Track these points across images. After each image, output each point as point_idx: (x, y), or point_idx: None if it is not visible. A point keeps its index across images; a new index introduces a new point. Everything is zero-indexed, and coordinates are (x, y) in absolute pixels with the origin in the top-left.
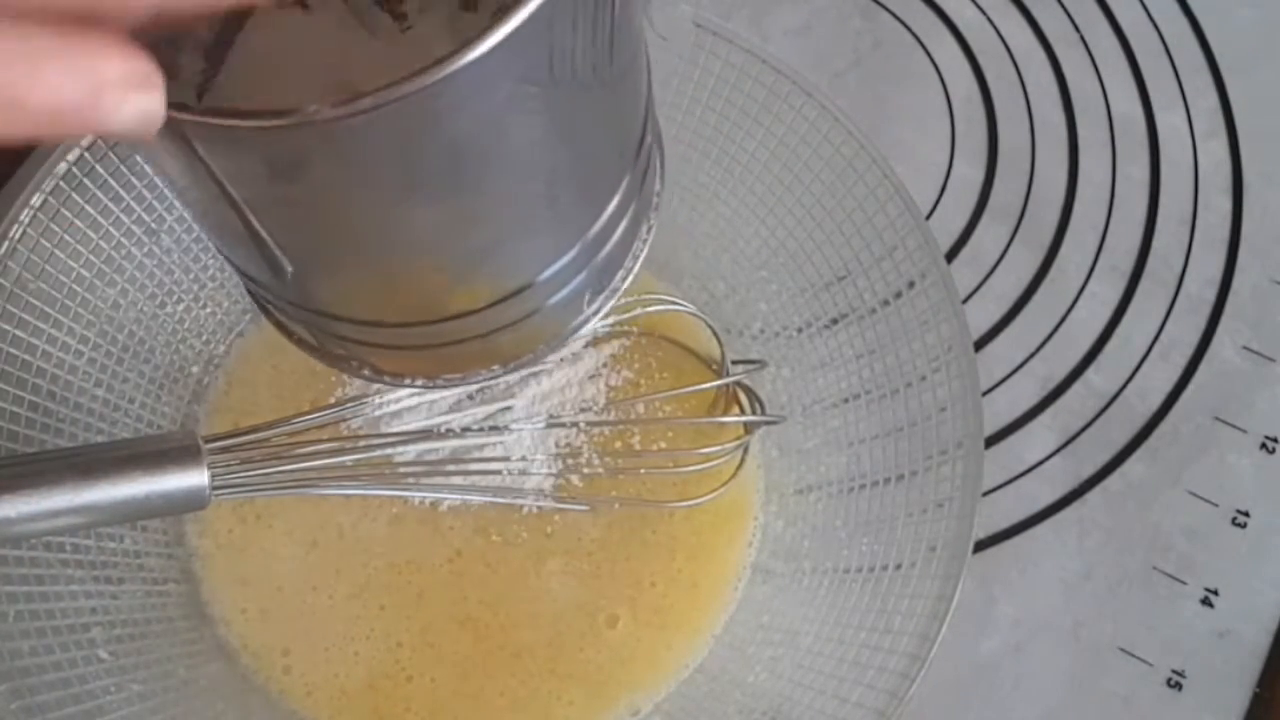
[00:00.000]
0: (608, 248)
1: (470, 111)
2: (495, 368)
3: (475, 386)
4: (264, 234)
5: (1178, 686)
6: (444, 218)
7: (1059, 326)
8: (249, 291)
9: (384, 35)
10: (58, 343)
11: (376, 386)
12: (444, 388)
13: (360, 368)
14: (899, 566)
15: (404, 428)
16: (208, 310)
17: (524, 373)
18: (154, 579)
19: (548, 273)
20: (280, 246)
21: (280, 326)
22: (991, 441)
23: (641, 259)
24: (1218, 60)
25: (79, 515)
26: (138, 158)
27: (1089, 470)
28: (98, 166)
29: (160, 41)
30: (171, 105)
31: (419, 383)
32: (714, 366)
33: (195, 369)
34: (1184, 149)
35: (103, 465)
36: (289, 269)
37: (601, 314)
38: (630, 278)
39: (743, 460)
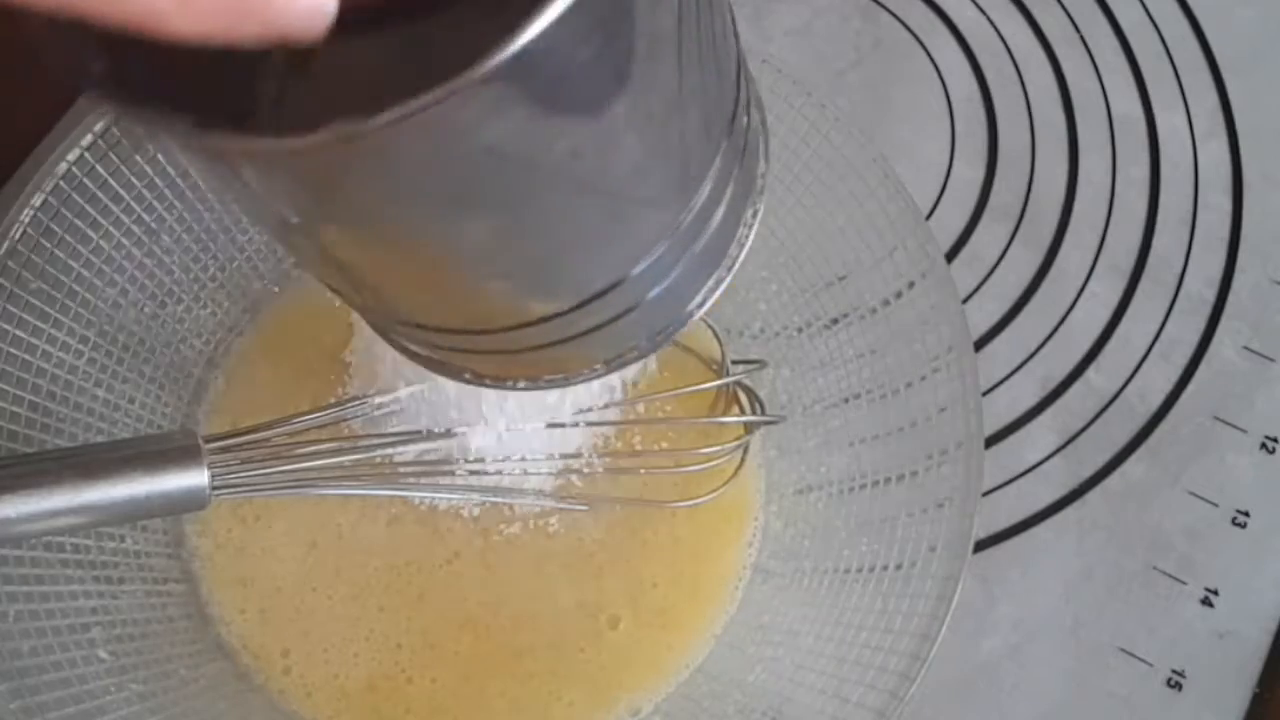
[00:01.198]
0: (705, 238)
1: (504, 118)
2: (598, 367)
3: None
4: (327, 250)
5: (1178, 686)
6: (502, 229)
7: (1059, 326)
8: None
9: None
10: (58, 343)
11: (376, 386)
12: (547, 388)
13: (461, 372)
14: (899, 566)
15: (404, 428)
16: (208, 310)
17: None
18: (154, 579)
19: (637, 270)
20: (345, 261)
21: (382, 333)
22: (991, 441)
23: (748, 247)
24: (1218, 60)
25: (79, 515)
26: (138, 158)
27: (1089, 470)
28: (98, 166)
29: (234, 66)
30: (195, 128)
31: (521, 385)
32: (714, 366)
33: (195, 369)
34: (1184, 149)
35: (103, 465)
36: (362, 282)
37: (706, 306)
38: (736, 267)
39: (743, 460)
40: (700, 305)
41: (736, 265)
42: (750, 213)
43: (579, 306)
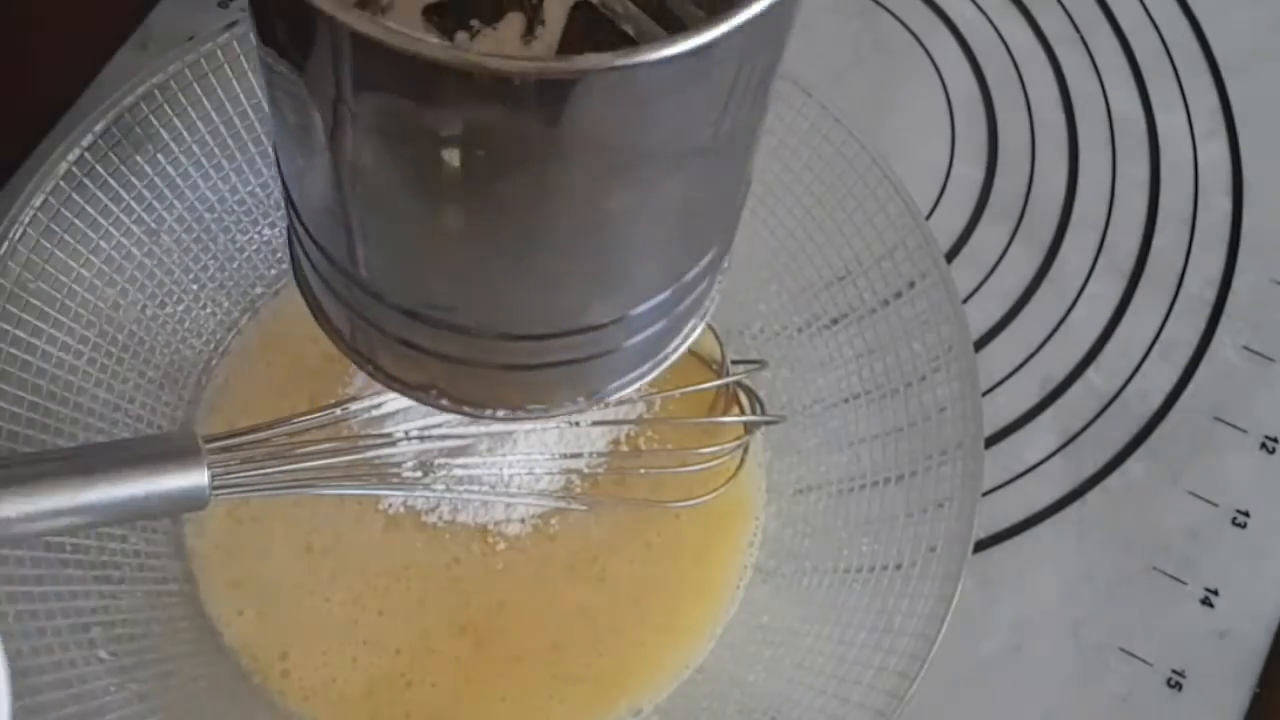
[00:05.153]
0: (703, 284)
1: (697, 93)
2: (580, 399)
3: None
4: (447, 208)
5: (1178, 686)
6: (619, 209)
7: (1059, 326)
8: (327, 321)
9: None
10: (58, 343)
11: (376, 386)
12: (525, 419)
13: (440, 397)
14: (899, 566)
15: (404, 427)
16: (208, 310)
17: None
18: (155, 579)
19: (671, 288)
20: (442, 230)
21: (351, 350)
22: (991, 441)
23: (717, 301)
24: (1218, 60)
25: (79, 515)
26: (138, 158)
27: (1089, 470)
28: (98, 166)
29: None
30: (433, 50)
31: (500, 414)
32: (714, 366)
33: (195, 369)
34: (1184, 149)
35: (103, 465)
36: (445, 249)
37: (682, 350)
38: (708, 317)
39: (743, 460)
40: (676, 349)
41: (708, 316)
42: (724, 265)
43: (614, 322)
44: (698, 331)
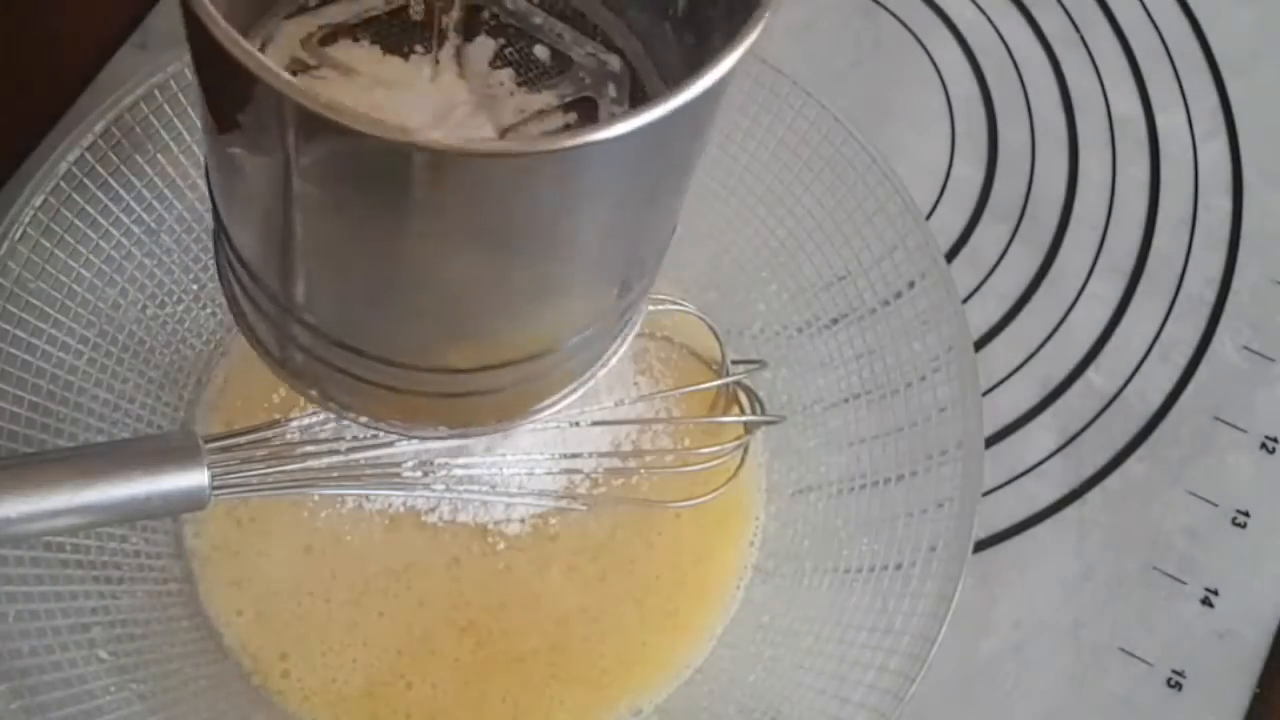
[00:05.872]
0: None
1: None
2: (442, 429)
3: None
4: (362, 261)
5: (1178, 686)
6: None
7: (1059, 326)
8: (241, 313)
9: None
10: (58, 343)
11: None
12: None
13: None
14: (899, 566)
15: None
16: (208, 310)
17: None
18: (155, 579)
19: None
20: (377, 274)
21: (271, 352)
22: (991, 441)
23: (610, 364)
24: (1218, 60)
25: (79, 515)
26: (138, 158)
27: (1089, 470)
28: (98, 166)
29: None
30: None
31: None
32: (714, 366)
33: (195, 369)
34: (1184, 149)
35: (103, 465)
36: (362, 300)
37: (553, 409)
38: (594, 378)
39: (743, 460)
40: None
41: (598, 375)
42: (598, 364)
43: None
44: (560, 405)
